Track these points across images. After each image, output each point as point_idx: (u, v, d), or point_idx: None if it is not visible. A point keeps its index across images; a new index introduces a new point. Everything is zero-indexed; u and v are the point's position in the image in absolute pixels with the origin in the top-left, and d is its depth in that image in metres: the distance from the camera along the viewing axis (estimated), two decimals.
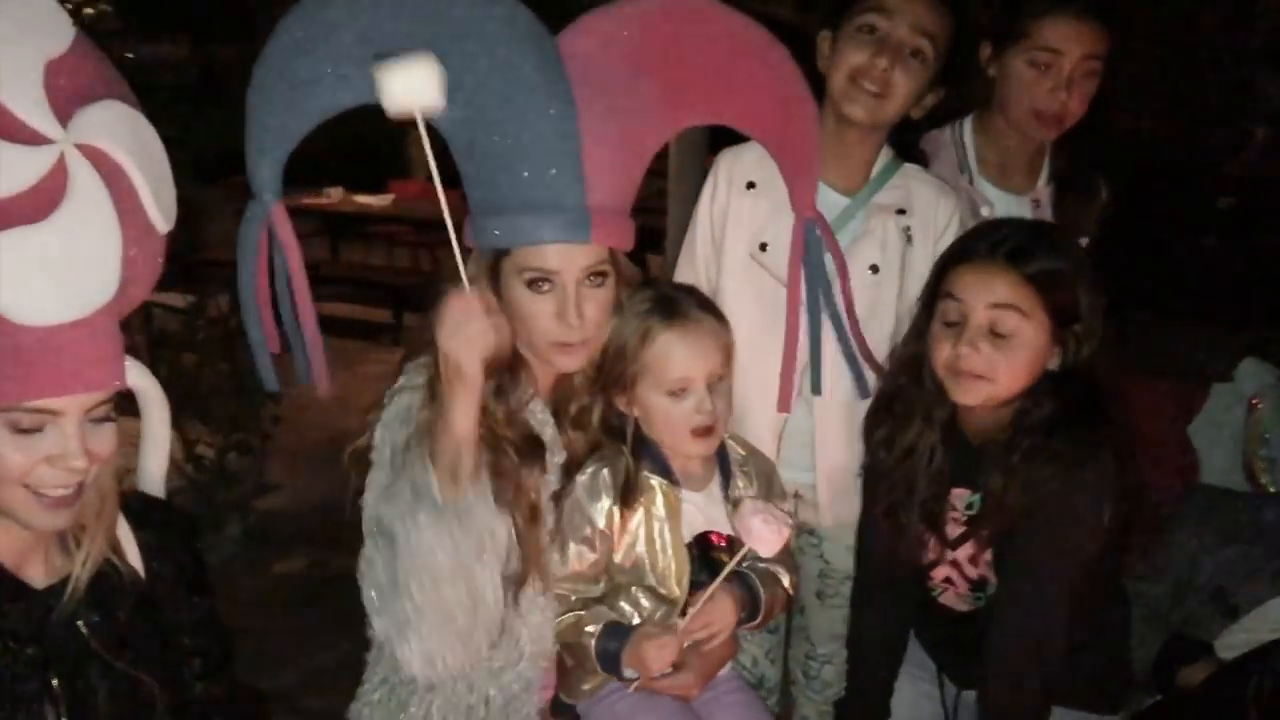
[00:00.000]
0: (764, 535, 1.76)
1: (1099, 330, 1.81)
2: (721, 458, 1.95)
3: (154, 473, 1.72)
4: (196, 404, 4.33)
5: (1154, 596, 2.39)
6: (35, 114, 1.28)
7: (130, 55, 4.54)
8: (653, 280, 1.92)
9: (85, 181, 1.30)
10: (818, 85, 2.06)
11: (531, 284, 1.68)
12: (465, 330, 1.56)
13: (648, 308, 1.81)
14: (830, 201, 2.14)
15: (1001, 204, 2.40)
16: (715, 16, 1.81)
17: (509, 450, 1.72)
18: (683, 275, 2.30)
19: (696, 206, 2.29)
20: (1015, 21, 2.30)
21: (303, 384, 1.78)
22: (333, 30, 1.57)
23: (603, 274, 1.72)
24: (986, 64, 2.37)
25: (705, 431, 1.83)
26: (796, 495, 2.28)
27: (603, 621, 1.82)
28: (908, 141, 2.26)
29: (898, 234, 2.15)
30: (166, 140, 1.48)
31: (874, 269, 2.13)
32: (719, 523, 1.89)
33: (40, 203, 1.27)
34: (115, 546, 1.54)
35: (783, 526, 1.77)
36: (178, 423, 4.26)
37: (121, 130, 1.38)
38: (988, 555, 1.93)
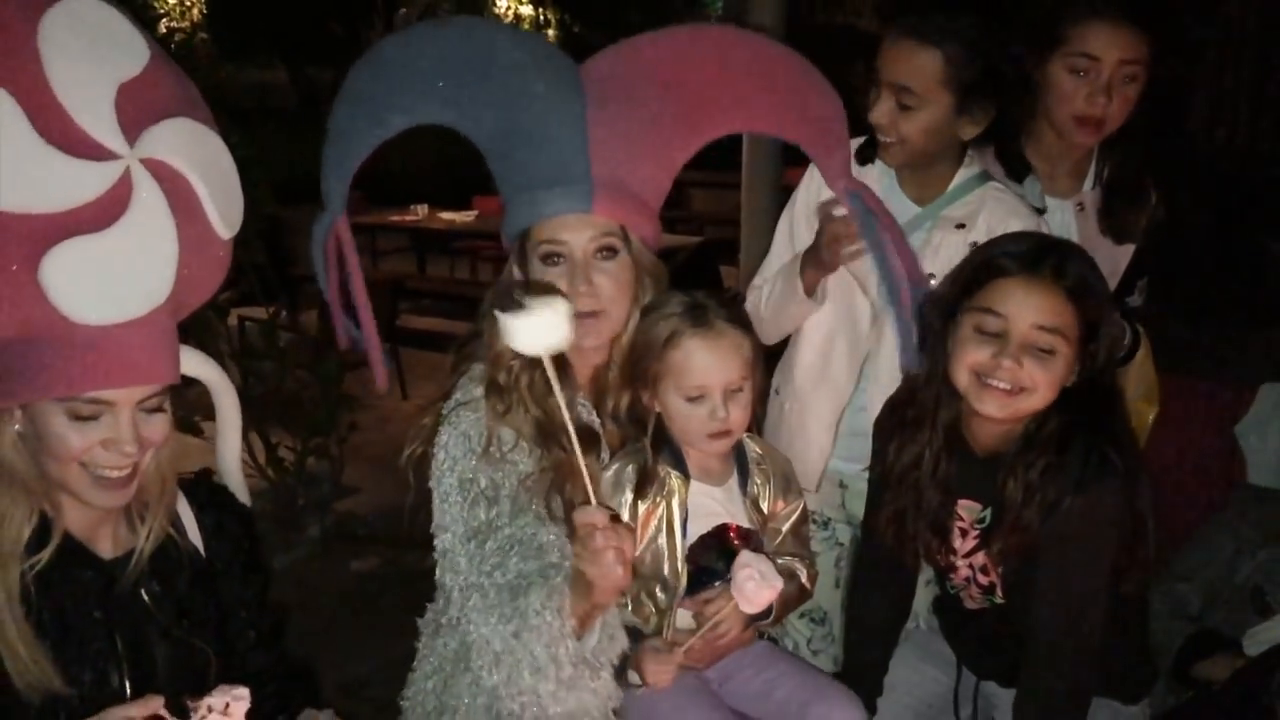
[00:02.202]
0: (750, 595, 1.80)
1: (1114, 349, 1.84)
2: (739, 455, 2.02)
3: (228, 456, 1.88)
4: (278, 410, 4.49)
5: (1182, 595, 2.40)
6: (104, 132, 1.44)
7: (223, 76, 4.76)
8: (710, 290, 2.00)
9: (147, 194, 1.45)
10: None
11: (546, 259, 1.81)
12: (604, 559, 1.56)
13: (678, 311, 1.88)
14: (903, 210, 2.23)
15: (1046, 207, 2.43)
16: (722, 38, 1.97)
17: (563, 438, 1.80)
18: (777, 246, 2.45)
19: (782, 218, 2.41)
20: (1055, 28, 2.34)
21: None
22: (380, 79, 1.83)
23: (611, 249, 1.82)
24: (1031, 71, 2.40)
25: (720, 435, 1.91)
26: (842, 485, 2.38)
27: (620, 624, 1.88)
28: (1009, 154, 2.35)
29: (961, 248, 2.17)
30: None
31: (932, 277, 2.15)
32: (738, 516, 1.97)
33: (104, 213, 1.42)
34: (176, 525, 1.70)
35: (772, 586, 1.80)
36: (261, 428, 4.54)
37: (188, 145, 1.54)
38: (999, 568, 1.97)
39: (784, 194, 6.21)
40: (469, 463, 1.80)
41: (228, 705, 1.46)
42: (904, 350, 2.08)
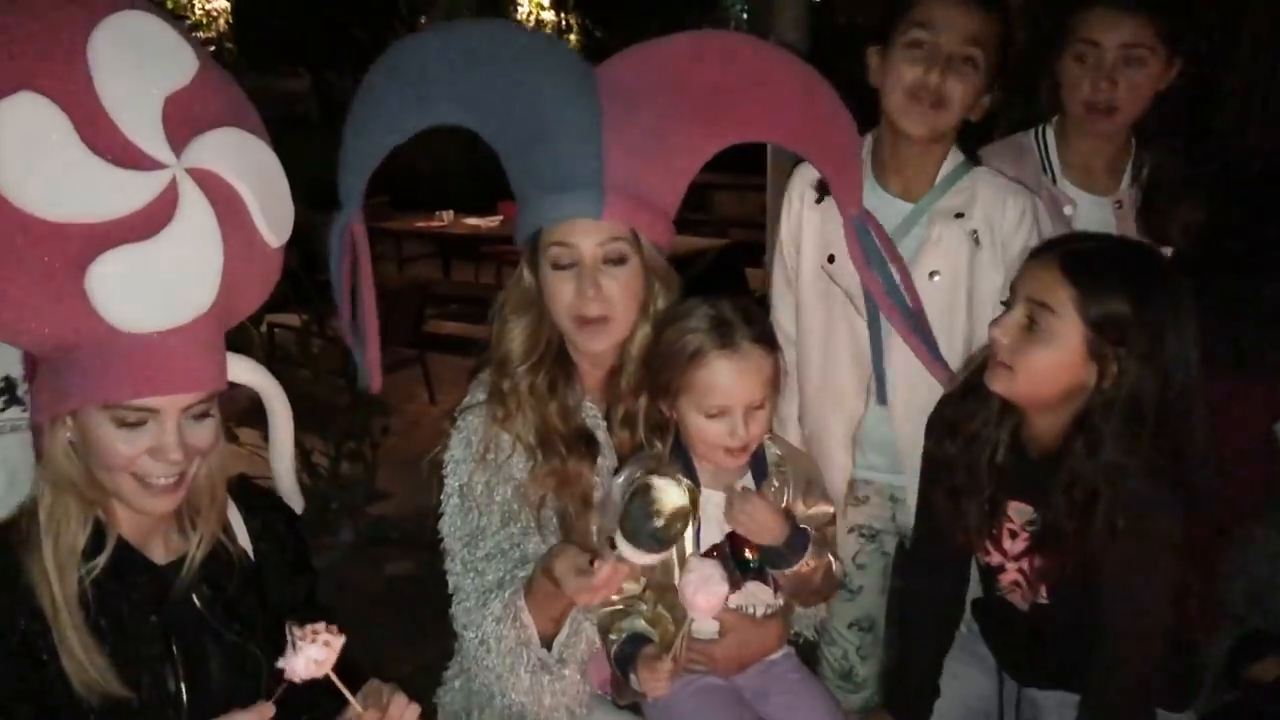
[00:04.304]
0: (695, 602, 1.73)
1: (1152, 365, 1.74)
2: (756, 459, 1.98)
3: (282, 463, 1.90)
4: (312, 416, 4.44)
5: (1228, 596, 2.37)
6: (151, 142, 1.46)
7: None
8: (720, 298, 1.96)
9: (193, 203, 1.47)
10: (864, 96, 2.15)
11: (556, 263, 1.83)
12: (585, 585, 1.64)
13: (705, 326, 1.84)
14: (894, 209, 2.20)
15: (1084, 205, 2.42)
16: (740, 47, 1.96)
17: (559, 445, 1.87)
18: (777, 287, 2.41)
19: (779, 227, 2.38)
20: (1063, 20, 2.34)
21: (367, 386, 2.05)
22: (397, 79, 1.87)
23: (620, 255, 1.83)
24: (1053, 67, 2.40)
25: (737, 452, 1.89)
26: (894, 499, 2.36)
27: (630, 630, 1.88)
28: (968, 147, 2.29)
29: (963, 238, 2.16)
30: (287, 167, 1.66)
31: (933, 275, 2.15)
32: None
33: (150, 222, 1.44)
34: (226, 529, 1.72)
35: (715, 593, 1.72)
36: (295, 433, 4.52)
37: (235, 154, 1.56)
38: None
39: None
40: (467, 467, 1.87)
41: (328, 642, 1.48)
42: (934, 368, 2.10)
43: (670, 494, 1.69)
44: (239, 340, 4.25)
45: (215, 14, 12.58)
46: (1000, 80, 2.14)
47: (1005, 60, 2.13)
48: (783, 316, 2.39)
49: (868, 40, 2.20)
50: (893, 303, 2.05)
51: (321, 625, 1.49)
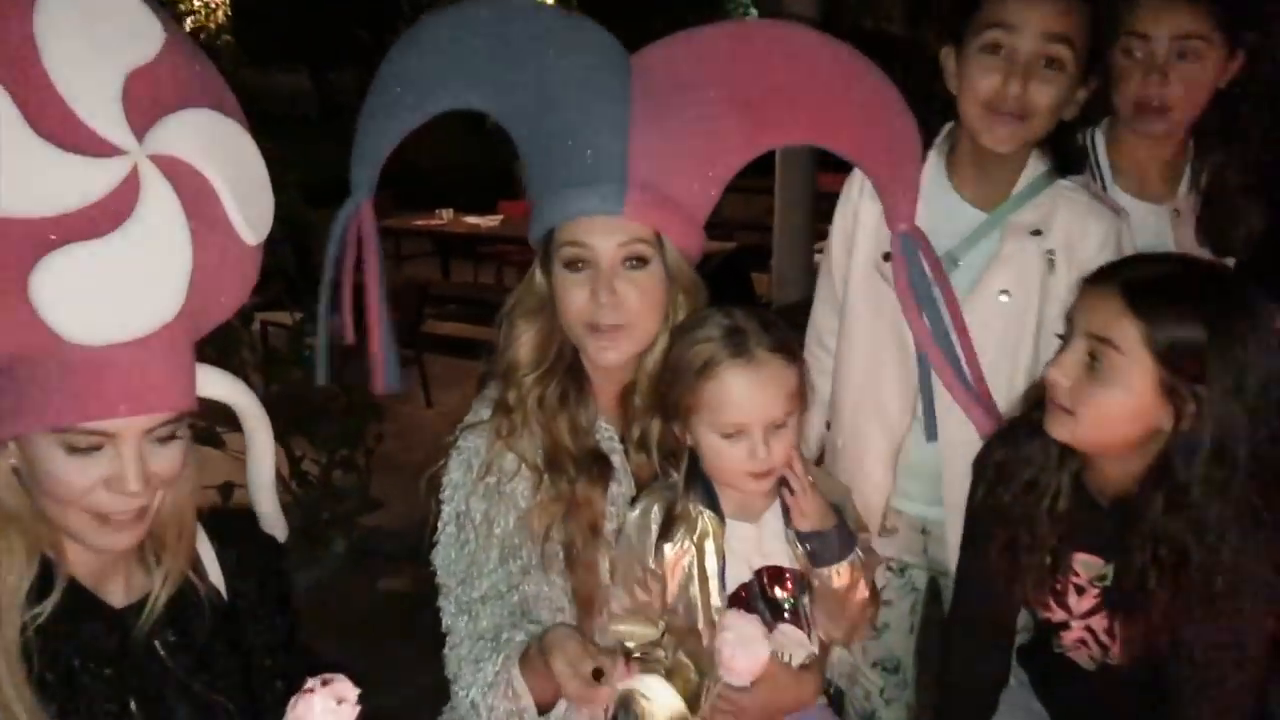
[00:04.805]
0: (734, 665, 1.57)
1: (1238, 400, 1.53)
2: (782, 484, 1.77)
3: (260, 490, 1.69)
4: (303, 421, 4.34)
5: None
6: (108, 125, 1.26)
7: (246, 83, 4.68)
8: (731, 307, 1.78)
9: (157, 195, 1.27)
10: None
11: (569, 264, 1.67)
12: (584, 696, 1.51)
13: (715, 336, 1.66)
14: (965, 217, 2.03)
15: (1138, 214, 2.21)
16: (793, 37, 1.80)
17: (568, 466, 1.71)
18: (822, 289, 2.24)
19: (834, 221, 2.20)
20: (1114, 12, 2.14)
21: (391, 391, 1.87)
22: (418, 58, 1.75)
23: (641, 258, 1.67)
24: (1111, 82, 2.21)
25: (761, 475, 1.69)
26: (924, 531, 2.19)
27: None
28: (1063, 150, 2.09)
29: (1037, 257, 1.97)
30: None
31: (1005, 294, 1.97)
32: (775, 555, 1.73)
33: (106, 216, 1.24)
34: (196, 565, 1.52)
35: (755, 654, 1.56)
36: (284, 439, 4.39)
37: (208, 139, 1.36)
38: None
39: (818, 199, 6.10)
40: (465, 492, 1.71)
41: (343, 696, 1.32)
42: (975, 414, 1.89)
43: (660, 702, 1.55)
44: (225, 340, 4.14)
45: (214, 4, 12.38)
46: (1096, 69, 1.95)
47: (1099, 46, 1.94)
48: (823, 319, 2.22)
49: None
50: (936, 344, 1.86)
51: (337, 678, 1.32)
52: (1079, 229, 1.98)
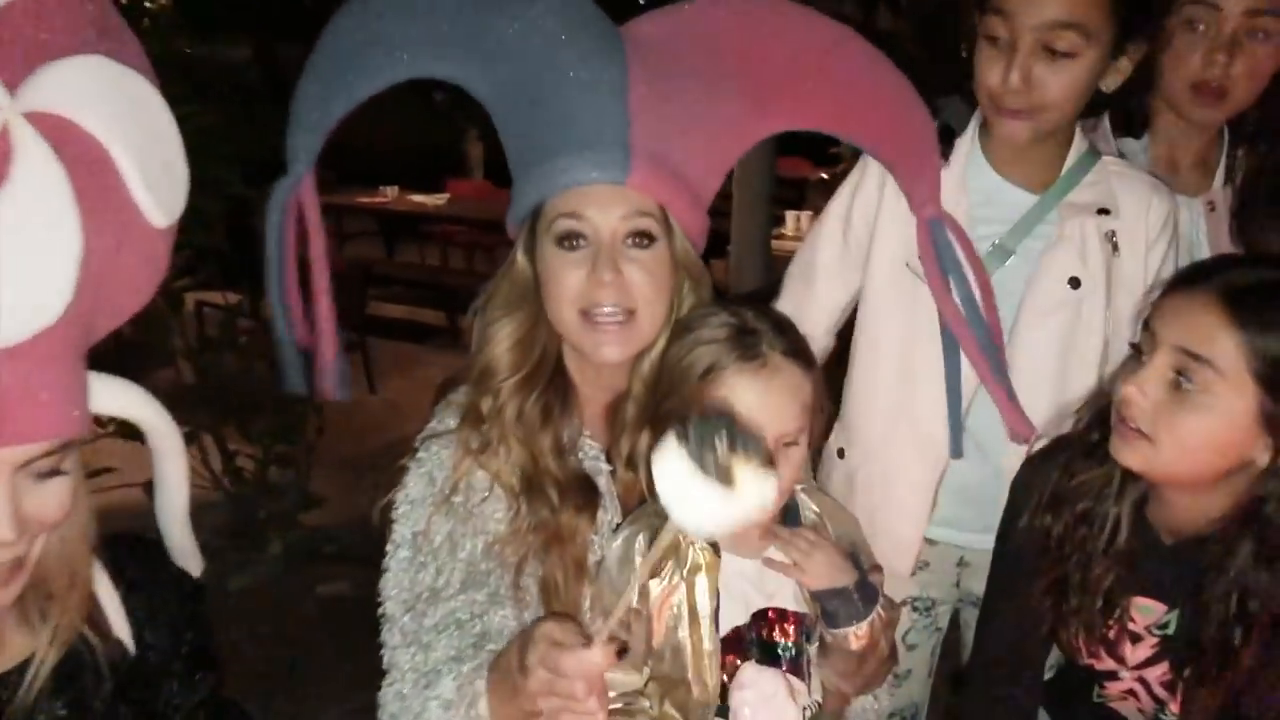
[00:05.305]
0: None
1: None
2: (788, 515, 1.57)
3: (171, 523, 1.41)
4: (237, 412, 4.13)
5: None
6: None
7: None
8: (739, 298, 1.61)
9: (32, 163, 0.99)
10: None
11: (563, 240, 1.45)
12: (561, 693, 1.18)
13: (722, 336, 1.45)
14: (1015, 201, 1.83)
15: None
16: (799, 17, 1.61)
17: (550, 491, 1.48)
18: (824, 262, 1.99)
19: (828, 206, 1.96)
20: None
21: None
22: (376, 19, 1.50)
23: (647, 235, 1.45)
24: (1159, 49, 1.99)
25: None
26: (963, 563, 1.97)
27: None
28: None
29: (1100, 240, 1.79)
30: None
31: (1074, 283, 1.77)
32: (779, 596, 1.51)
33: None
34: (95, 615, 1.24)
35: (785, 713, 1.39)
36: (217, 433, 4.13)
37: (101, 94, 1.07)
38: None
39: (777, 184, 5.94)
40: (425, 510, 1.48)
41: None
42: (1014, 419, 1.69)
43: None
44: (152, 325, 3.87)
45: None
46: (1143, 31, 1.74)
47: (1145, 10, 1.74)
48: (825, 291, 1.97)
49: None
50: (973, 334, 1.64)
51: None
52: (1143, 206, 1.80)
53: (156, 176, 1.11)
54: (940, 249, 1.64)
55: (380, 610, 1.49)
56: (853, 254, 1.93)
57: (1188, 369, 1.36)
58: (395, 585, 1.48)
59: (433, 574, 1.46)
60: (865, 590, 1.45)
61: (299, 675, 3.40)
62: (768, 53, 1.55)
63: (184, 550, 1.40)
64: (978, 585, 1.92)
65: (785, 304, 2.00)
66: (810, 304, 1.95)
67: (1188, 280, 1.43)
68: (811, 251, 1.99)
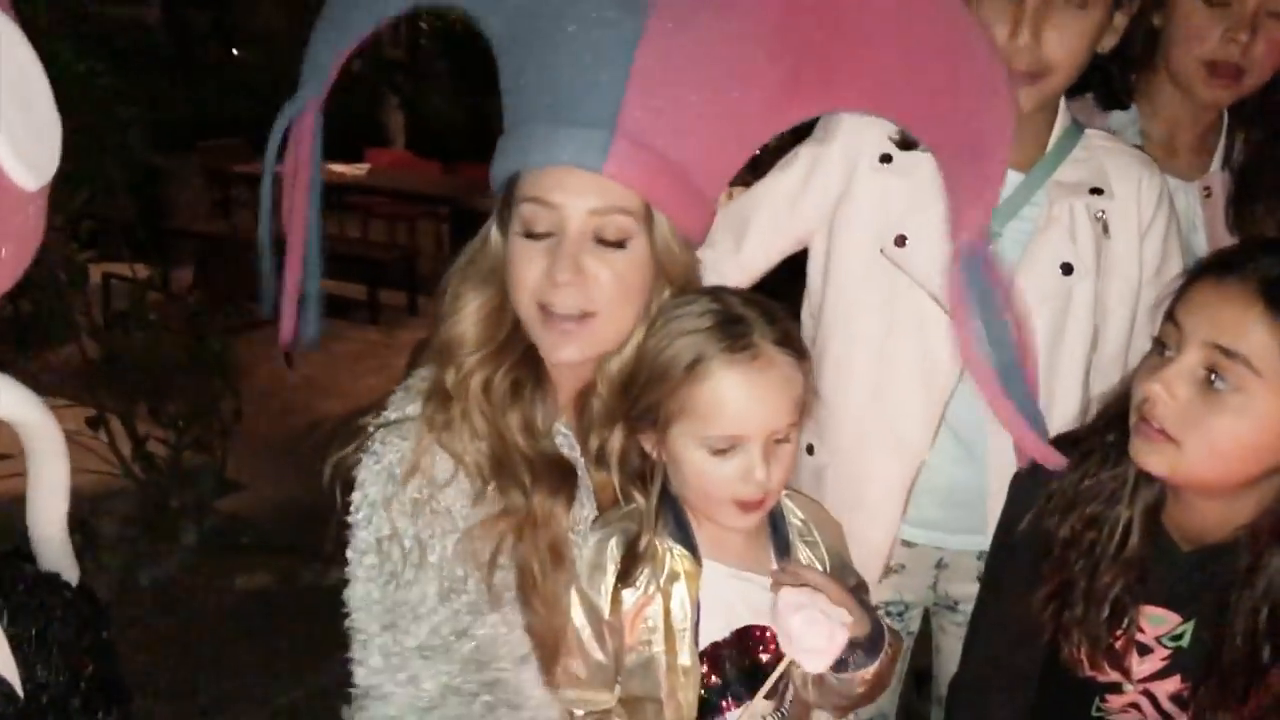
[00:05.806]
0: (808, 642, 1.31)
1: None
2: (774, 523, 1.49)
3: (51, 537, 1.21)
4: (147, 393, 3.93)
5: None
6: None
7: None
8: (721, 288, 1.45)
9: None
10: None
11: (527, 229, 1.33)
12: None
13: (706, 325, 1.34)
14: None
15: None
16: None
17: (520, 472, 1.35)
18: (717, 238, 1.76)
19: (785, 164, 1.79)
20: None
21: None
22: None
23: (618, 242, 1.32)
24: (1149, 9, 1.89)
25: (752, 505, 1.37)
26: (941, 565, 1.86)
27: None
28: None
29: (1090, 221, 1.68)
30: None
31: (1066, 269, 1.66)
32: (766, 613, 1.43)
33: None
34: None
35: (836, 629, 1.32)
36: (125, 415, 3.92)
37: None
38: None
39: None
40: (386, 513, 1.35)
41: None
42: (1026, 440, 1.52)
43: None
44: (55, 302, 3.67)
45: None
46: None
47: None
48: (751, 253, 1.81)
49: None
50: (982, 357, 1.45)
51: None
52: (1134, 184, 1.69)
53: (22, 134, 0.92)
54: (971, 279, 1.39)
55: (347, 623, 1.38)
56: (794, 226, 1.80)
57: (1220, 367, 1.26)
58: (364, 598, 1.36)
59: (406, 585, 1.34)
60: (875, 630, 1.38)
61: (215, 676, 3.27)
62: (809, 19, 1.35)
63: (59, 560, 1.20)
64: (955, 588, 1.84)
65: (705, 251, 1.84)
66: (730, 262, 1.80)
67: (1218, 269, 1.32)
68: (751, 208, 1.83)
